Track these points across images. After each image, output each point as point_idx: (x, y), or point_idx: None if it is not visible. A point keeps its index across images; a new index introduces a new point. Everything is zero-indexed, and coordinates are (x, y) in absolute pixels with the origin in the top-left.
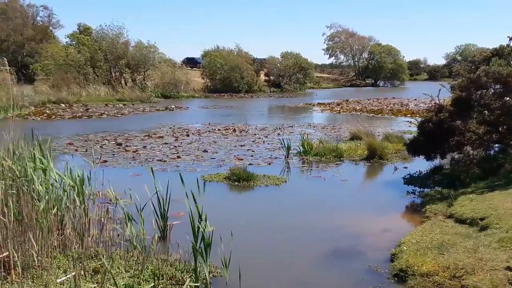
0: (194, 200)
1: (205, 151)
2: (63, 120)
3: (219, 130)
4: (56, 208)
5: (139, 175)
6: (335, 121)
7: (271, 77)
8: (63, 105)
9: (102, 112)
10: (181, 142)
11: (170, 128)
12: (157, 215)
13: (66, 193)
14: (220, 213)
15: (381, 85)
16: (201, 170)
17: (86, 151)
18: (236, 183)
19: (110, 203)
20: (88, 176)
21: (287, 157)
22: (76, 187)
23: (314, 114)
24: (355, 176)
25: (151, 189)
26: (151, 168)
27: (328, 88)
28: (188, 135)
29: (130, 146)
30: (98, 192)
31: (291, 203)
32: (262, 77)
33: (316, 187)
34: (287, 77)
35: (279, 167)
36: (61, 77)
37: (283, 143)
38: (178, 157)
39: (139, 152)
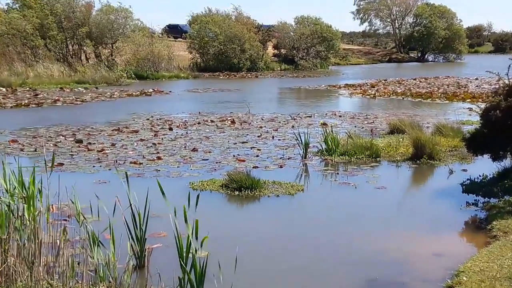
0: (185, 216)
1: (194, 150)
2: (4, 110)
3: (212, 121)
4: None
5: (107, 182)
6: (369, 109)
7: (282, 50)
8: (4, 89)
9: (56, 98)
10: (162, 138)
11: (147, 119)
12: (132, 236)
13: (9, 208)
14: (217, 233)
15: (430, 59)
16: (189, 175)
17: (35, 150)
18: (237, 193)
19: (68, 220)
20: (39, 186)
21: (305, 158)
22: (23, 200)
23: (340, 100)
24: (397, 183)
25: (123, 202)
26: (126, 174)
27: (359, 64)
28: (171, 129)
29: (93, 143)
30: (52, 205)
31: (311, 220)
32: (270, 50)
33: (343, 198)
34: (303, 50)
35: (293, 171)
36: (0, 52)
37: (298, 139)
38: (159, 158)
39: (106, 151)
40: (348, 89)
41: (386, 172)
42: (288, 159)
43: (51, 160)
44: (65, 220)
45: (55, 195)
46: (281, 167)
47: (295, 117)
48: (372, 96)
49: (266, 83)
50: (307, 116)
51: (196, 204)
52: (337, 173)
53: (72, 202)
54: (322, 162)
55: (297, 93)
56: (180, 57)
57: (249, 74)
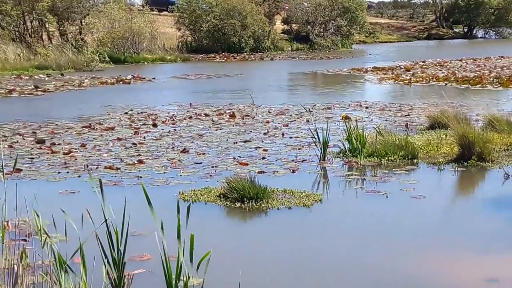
0: (179, 230)
1: (184, 151)
2: None
3: (207, 115)
4: None
5: (75, 192)
6: (403, 98)
7: (293, 25)
8: None
9: (12, 88)
10: (144, 137)
11: (126, 113)
12: (108, 260)
13: None
14: (214, 255)
15: (479, 35)
16: (178, 183)
17: None
18: (238, 205)
19: (28, 241)
20: None
21: (323, 160)
22: None
23: (367, 87)
24: (438, 190)
25: (97, 217)
26: (99, 181)
27: (390, 42)
28: (155, 125)
29: (59, 144)
30: (8, 222)
31: (331, 238)
32: (279, 25)
33: (372, 210)
34: (320, 26)
35: (309, 176)
36: None
37: (315, 137)
38: (140, 161)
39: (75, 154)
40: (377, 73)
41: (425, 177)
42: (302, 161)
43: (6, 166)
44: (25, 240)
45: (12, 209)
46: (293, 171)
47: (310, 109)
48: (407, 82)
49: (274, 66)
50: (326, 108)
51: (187, 219)
52: (364, 179)
53: (33, 218)
54: (345, 166)
55: (312, 79)
56: (166, 35)
57: (252, 56)
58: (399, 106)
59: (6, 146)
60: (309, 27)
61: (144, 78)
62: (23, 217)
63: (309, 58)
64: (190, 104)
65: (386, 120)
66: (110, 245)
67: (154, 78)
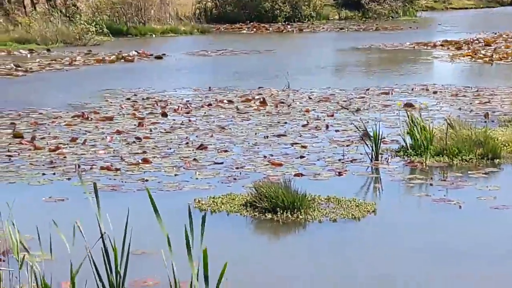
0: (189, 250)
1: (201, 147)
2: None
3: (231, 102)
4: None
5: (64, 199)
6: (482, 80)
7: None
8: None
9: None
10: (150, 130)
11: (128, 99)
12: (104, 285)
13: None
14: (237, 278)
15: None
16: (193, 187)
17: None
18: (269, 216)
19: (3, 260)
20: None
21: (377, 160)
22: None
23: (435, 66)
24: None
25: (90, 230)
26: (94, 185)
27: (466, 8)
28: (165, 115)
29: (43, 138)
30: None
31: (388, 259)
32: None
33: (440, 224)
34: None
35: (359, 180)
36: None
37: (366, 130)
38: (145, 160)
39: (64, 151)
40: (448, 48)
41: (510, 182)
42: (351, 161)
43: None
44: (1, 259)
45: None
46: (339, 174)
47: (362, 95)
48: (487, 59)
49: (316, 40)
50: (382, 93)
51: (202, 233)
52: (430, 184)
53: (9, 232)
54: (406, 167)
55: (365, 56)
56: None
57: (288, 27)
58: (477, 91)
59: None
60: None
61: (152, 55)
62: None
63: (361, 30)
64: (209, 88)
65: (460, 109)
66: (106, 266)
67: (164, 54)
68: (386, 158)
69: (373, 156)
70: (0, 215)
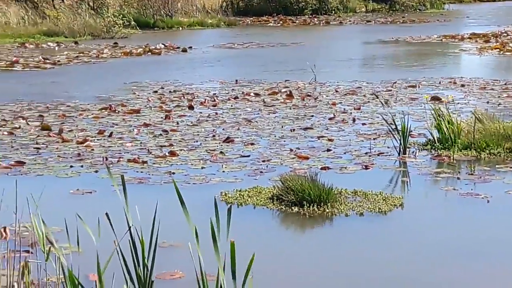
0: (215, 243)
1: (228, 140)
2: None
3: (257, 95)
4: None
5: (92, 192)
6: (510, 73)
7: None
8: None
9: (14, 59)
10: (177, 122)
11: (155, 92)
12: (132, 277)
13: None
14: (263, 272)
15: None
16: (220, 181)
17: None
18: (296, 209)
19: (31, 252)
20: None
21: (404, 153)
22: None
23: (463, 59)
24: None
25: (118, 223)
26: (122, 178)
27: (494, 1)
28: (192, 107)
29: (71, 130)
30: (5, 228)
31: (415, 254)
32: None
33: (468, 218)
34: None
35: (386, 174)
36: None
37: (393, 123)
38: (172, 153)
39: (91, 143)
40: (476, 41)
41: None
42: (378, 155)
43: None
44: (27, 251)
45: (12, 213)
46: (366, 168)
47: (389, 88)
48: None
49: (343, 33)
50: (409, 86)
51: (228, 226)
52: (458, 178)
53: (37, 224)
54: (433, 161)
55: (393, 49)
56: None
57: (315, 19)
58: (505, 84)
59: (6, 132)
60: None
61: (178, 47)
62: (25, 223)
63: (389, 22)
64: (236, 80)
65: (488, 103)
66: (134, 259)
67: (190, 47)
68: (413, 152)
69: (401, 150)
70: (28, 207)
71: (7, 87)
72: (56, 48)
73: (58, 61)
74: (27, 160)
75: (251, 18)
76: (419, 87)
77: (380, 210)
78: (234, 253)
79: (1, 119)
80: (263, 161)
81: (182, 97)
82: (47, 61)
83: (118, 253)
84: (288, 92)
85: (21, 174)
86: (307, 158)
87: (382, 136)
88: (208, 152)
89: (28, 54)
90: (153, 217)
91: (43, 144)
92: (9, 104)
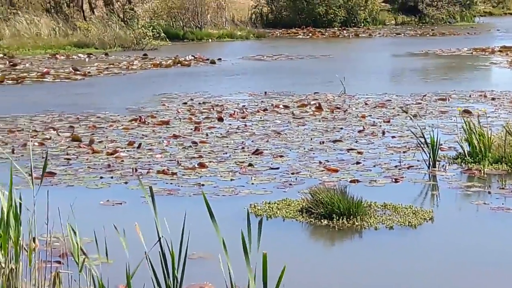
0: (246, 254)
1: (257, 152)
2: None
3: (286, 107)
4: None
5: (122, 203)
6: None
7: None
8: None
9: (45, 70)
10: (206, 134)
11: (184, 103)
12: None
13: None
14: (295, 286)
15: None
16: (249, 193)
17: (13, 152)
18: (325, 222)
19: (62, 263)
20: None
21: (434, 167)
22: None
23: (493, 72)
24: None
25: (147, 234)
26: (150, 189)
27: None
28: (221, 119)
29: (101, 141)
30: (33, 238)
31: (446, 269)
32: None
33: (499, 233)
34: None
35: (416, 187)
36: None
37: (423, 137)
38: (202, 165)
39: (121, 154)
40: (507, 54)
41: None
42: (408, 168)
43: (36, 169)
44: (58, 262)
45: (43, 223)
46: (396, 181)
47: (419, 101)
48: None
49: (372, 45)
50: (439, 99)
51: (259, 238)
52: (489, 192)
53: (69, 234)
54: (464, 174)
55: (422, 62)
56: (236, 4)
57: (344, 32)
58: None
59: (37, 143)
60: None
61: (208, 59)
62: (56, 233)
63: (418, 35)
64: (265, 92)
65: None
66: (164, 270)
67: (220, 59)
68: (443, 165)
69: (431, 163)
70: (60, 218)
71: (37, 98)
72: (87, 59)
73: (89, 72)
74: (57, 170)
75: (280, 30)
76: (449, 100)
77: (410, 224)
78: (266, 265)
79: (32, 129)
80: (292, 173)
81: (212, 109)
82: (78, 72)
83: (148, 264)
84: (317, 105)
85: (52, 185)
86: (336, 170)
87: (412, 149)
88: (237, 164)
89: (59, 65)
90: (182, 228)
91: (73, 155)
92: (40, 115)
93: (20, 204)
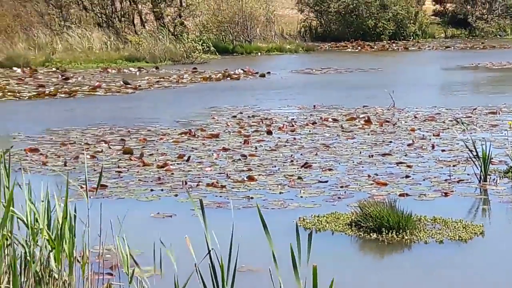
0: (296, 269)
1: (306, 165)
2: (19, 102)
3: (335, 120)
4: (10, 281)
5: (172, 216)
6: None
7: (447, 5)
8: (18, 69)
9: (97, 84)
10: (255, 147)
11: (234, 117)
12: None
13: (29, 254)
14: None
15: None
16: (298, 206)
17: (65, 165)
18: (374, 236)
19: (113, 275)
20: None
21: (485, 181)
22: (49, 242)
23: None
24: None
25: (197, 246)
26: (200, 202)
27: None
28: (270, 132)
29: (151, 154)
30: (88, 250)
31: (499, 285)
32: (429, 5)
33: None
34: (482, 5)
35: (466, 201)
36: (11, 14)
37: (474, 150)
38: (251, 178)
39: (171, 167)
40: None
41: None
42: (458, 182)
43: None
44: (110, 274)
45: (97, 235)
46: (446, 195)
47: (469, 114)
48: None
49: (422, 58)
50: (490, 113)
51: (309, 251)
52: None
53: (120, 247)
54: None
55: (472, 75)
56: (285, 18)
57: (393, 45)
58: None
59: (89, 156)
60: (468, 7)
61: (257, 73)
62: (108, 245)
63: (468, 48)
64: (314, 106)
65: None
66: (214, 282)
67: (269, 73)
68: (494, 179)
69: (481, 177)
70: (112, 230)
71: (89, 111)
72: (137, 73)
73: (139, 85)
74: (109, 183)
75: (329, 44)
76: (499, 113)
77: (460, 238)
78: (316, 278)
79: (84, 142)
80: (341, 186)
81: (261, 122)
82: (128, 85)
83: (198, 277)
84: (366, 118)
85: (103, 197)
86: (385, 184)
87: (462, 163)
88: (286, 177)
89: (110, 79)
90: (230, 241)
91: (124, 167)
92: (92, 128)
93: (75, 216)
